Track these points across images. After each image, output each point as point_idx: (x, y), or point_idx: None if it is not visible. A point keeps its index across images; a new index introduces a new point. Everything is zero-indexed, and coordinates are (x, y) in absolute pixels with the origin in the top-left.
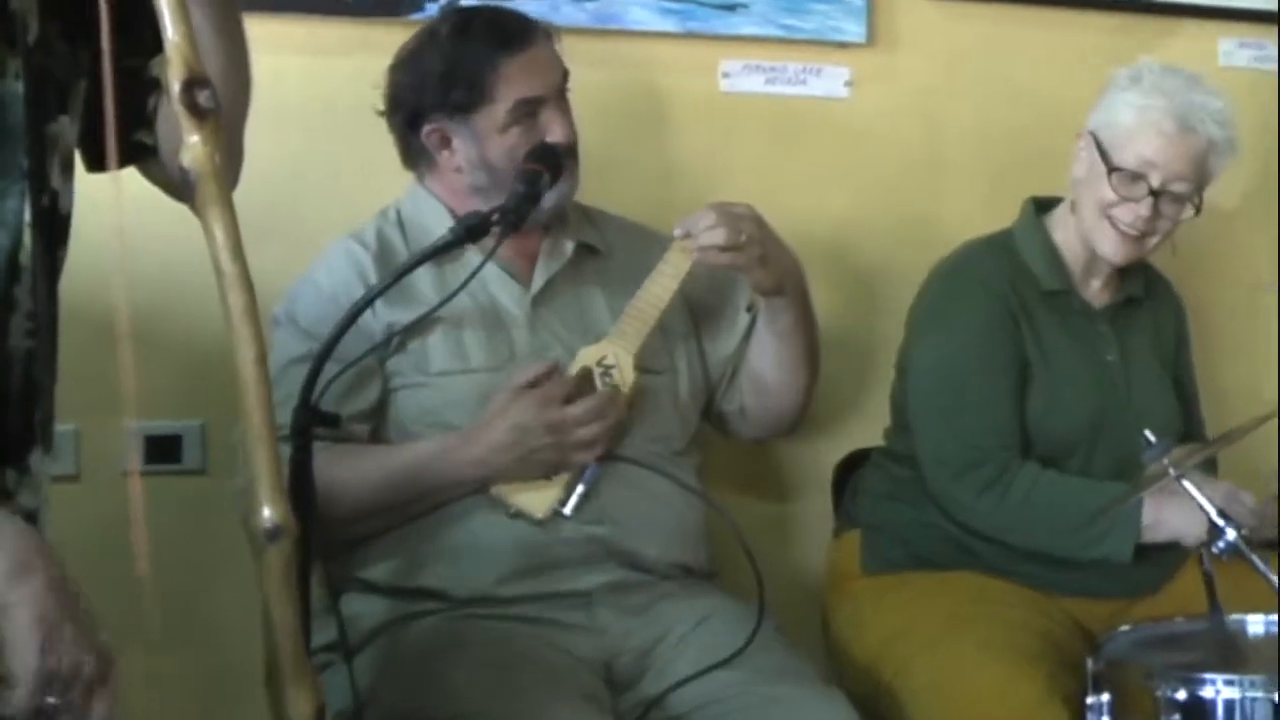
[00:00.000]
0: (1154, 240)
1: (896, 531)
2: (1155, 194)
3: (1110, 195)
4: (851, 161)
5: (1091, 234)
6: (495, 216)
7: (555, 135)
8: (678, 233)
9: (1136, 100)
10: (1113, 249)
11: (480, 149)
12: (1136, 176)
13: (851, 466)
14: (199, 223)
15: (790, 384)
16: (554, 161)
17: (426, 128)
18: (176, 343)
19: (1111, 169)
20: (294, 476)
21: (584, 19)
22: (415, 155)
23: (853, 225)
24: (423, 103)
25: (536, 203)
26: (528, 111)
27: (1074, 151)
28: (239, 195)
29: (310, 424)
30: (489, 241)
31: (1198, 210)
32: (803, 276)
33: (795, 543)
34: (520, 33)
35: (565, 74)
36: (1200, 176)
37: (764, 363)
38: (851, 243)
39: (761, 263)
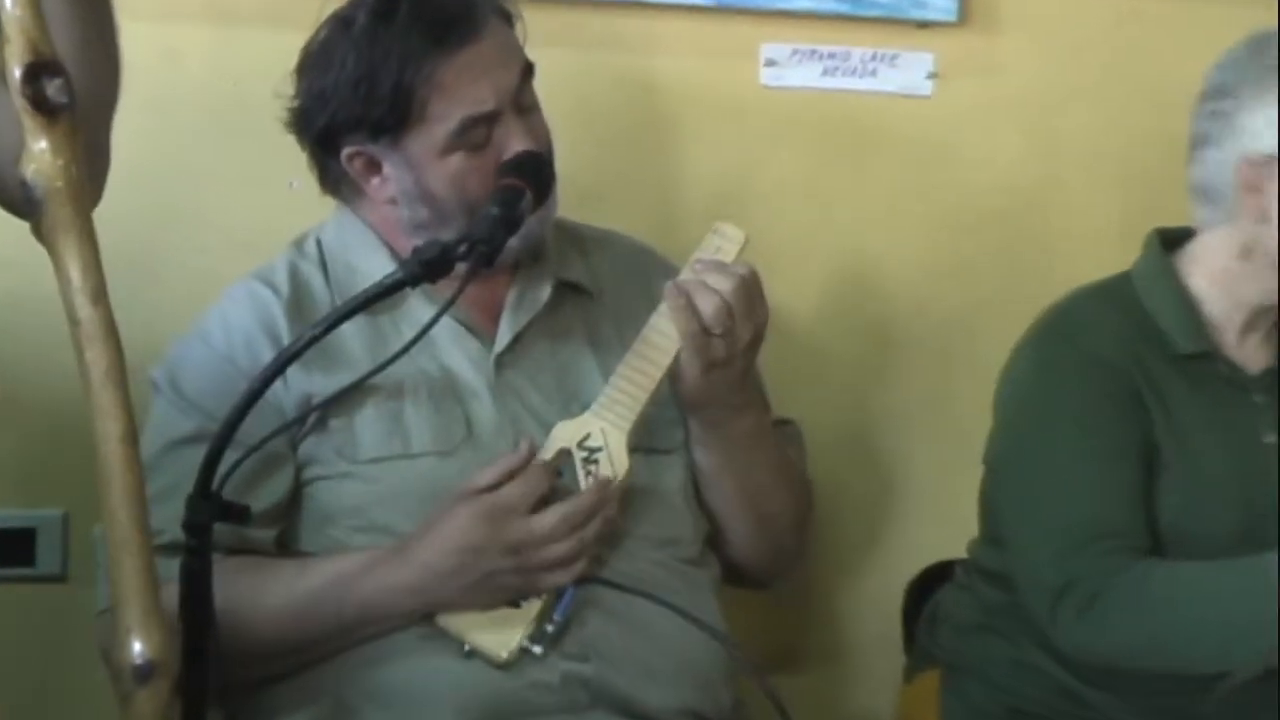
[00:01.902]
0: None
1: (989, 674)
2: None
3: None
4: (933, 182)
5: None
6: (462, 249)
7: (521, 146)
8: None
9: None
10: None
11: (417, 177)
12: None
13: (928, 586)
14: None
15: (729, 526)
16: (539, 173)
17: (346, 151)
18: (27, 409)
19: None
20: (187, 592)
21: None
22: (335, 181)
23: (934, 268)
24: (336, 120)
25: (516, 229)
26: (477, 127)
27: (1243, 179)
28: (105, 216)
29: (211, 520)
30: (442, 286)
31: None
32: (744, 416)
33: (853, 688)
34: (461, 21)
35: (527, 69)
36: None
37: (702, 485)
38: (932, 291)
39: (707, 367)
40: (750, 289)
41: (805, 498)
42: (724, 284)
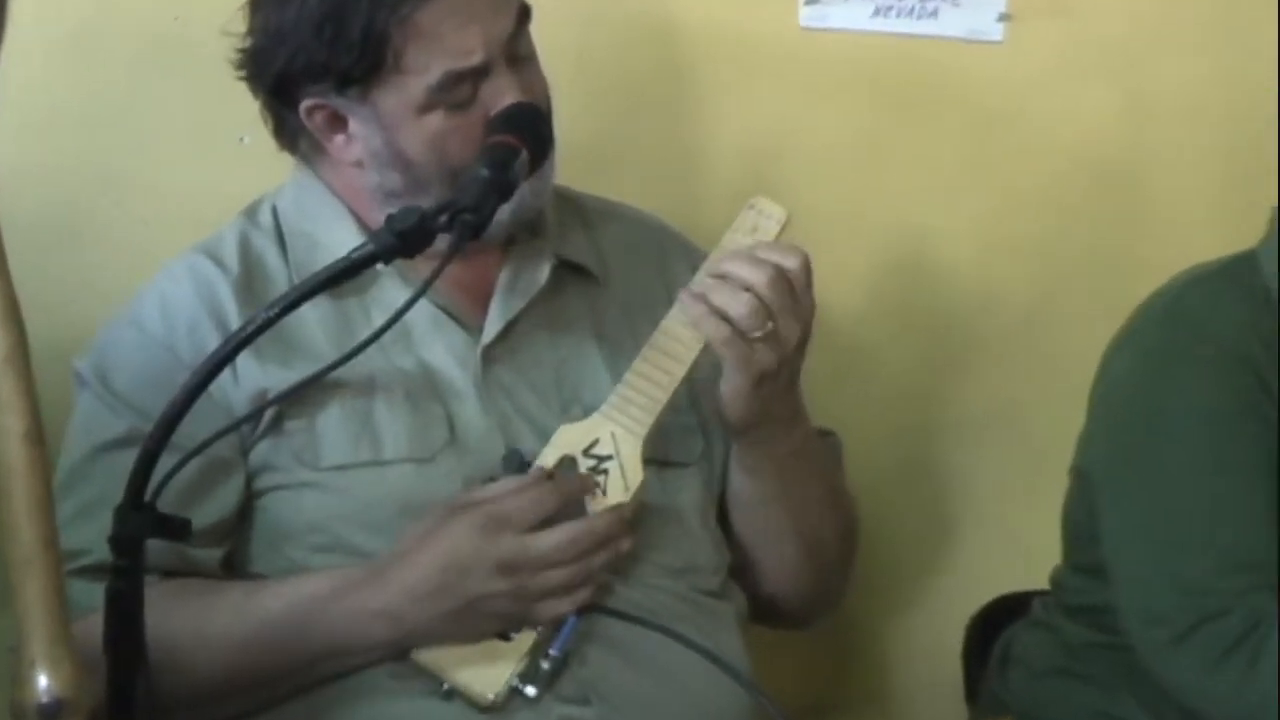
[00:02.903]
0: None
1: None
2: None
3: None
4: (1004, 147)
5: None
6: (444, 218)
7: (514, 99)
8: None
9: None
10: None
11: (388, 138)
12: None
13: (994, 624)
14: None
15: (767, 557)
16: (535, 129)
17: (305, 103)
18: None
19: None
20: (113, 620)
21: None
22: (292, 135)
23: (1003, 248)
24: (294, 66)
25: (509, 194)
26: (461, 83)
27: None
28: (17, 172)
29: (144, 534)
30: (420, 264)
31: None
32: (793, 430)
33: None
34: None
35: (523, 13)
36: None
37: (734, 512)
38: (1001, 276)
39: (757, 380)
40: (792, 276)
41: (853, 522)
42: (755, 275)
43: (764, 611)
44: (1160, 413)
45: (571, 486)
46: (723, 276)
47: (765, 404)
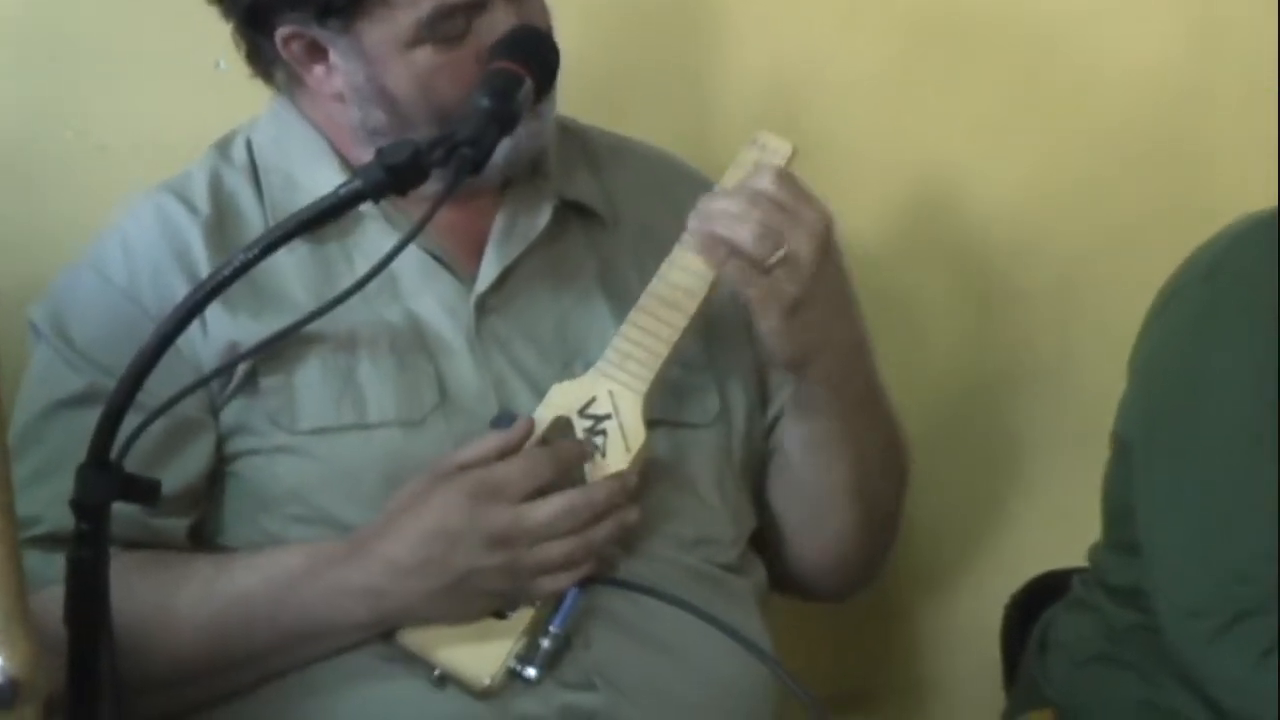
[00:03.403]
0: None
1: (1115, 715)
2: None
3: None
4: (1051, 81)
5: None
6: (440, 152)
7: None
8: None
9: None
10: None
11: (372, 73)
12: None
13: (1037, 604)
14: None
15: (819, 520)
16: (541, 55)
17: (282, 31)
18: None
19: None
20: (75, 593)
21: None
22: (267, 63)
23: (1051, 194)
24: None
25: (513, 126)
26: (453, 17)
27: None
28: None
29: (109, 497)
30: (408, 206)
31: None
32: (861, 360)
33: None
34: None
35: None
36: None
37: (789, 466)
38: (1048, 224)
39: (789, 310)
40: (780, 194)
41: (907, 481)
42: (742, 204)
43: (801, 582)
44: (1201, 377)
45: (567, 452)
46: (720, 211)
47: (812, 333)
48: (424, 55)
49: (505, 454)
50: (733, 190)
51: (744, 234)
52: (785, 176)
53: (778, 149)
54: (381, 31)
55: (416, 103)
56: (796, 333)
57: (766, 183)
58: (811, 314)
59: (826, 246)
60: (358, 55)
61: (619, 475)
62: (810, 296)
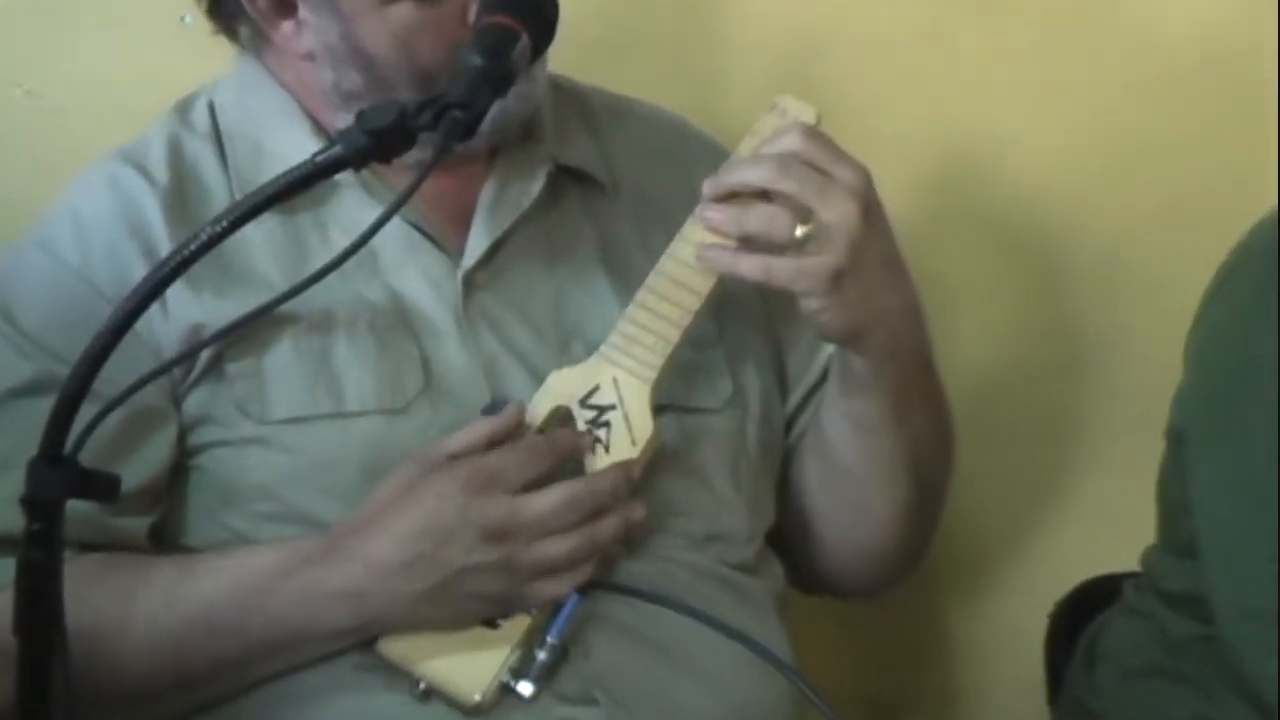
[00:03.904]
0: None
1: None
2: None
3: None
4: (1096, 39)
5: None
6: (427, 115)
7: None
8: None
9: None
10: None
11: (346, 30)
12: None
13: (1085, 610)
14: None
15: (862, 509)
16: (539, 7)
17: None
18: None
19: None
20: (27, 599)
21: None
22: (229, 17)
23: (1099, 160)
24: None
25: (506, 88)
26: None
27: None
28: None
29: (64, 493)
30: (390, 176)
31: None
32: (914, 328)
33: None
34: None
35: None
36: None
37: (831, 450)
38: (1096, 194)
39: (831, 283)
40: (803, 154)
41: (955, 460)
42: (758, 174)
43: (831, 578)
44: (1262, 363)
45: (566, 442)
46: (725, 198)
47: (859, 305)
48: (403, 11)
49: (495, 442)
50: (751, 161)
51: (754, 219)
52: (814, 134)
53: (800, 112)
54: None
55: (395, 63)
56: (846, 307)
57: (795, 142)
58: (860, 283)
59: (868, 206)
60: (330, 10)
61: (622, 464)
62: (856, 264)
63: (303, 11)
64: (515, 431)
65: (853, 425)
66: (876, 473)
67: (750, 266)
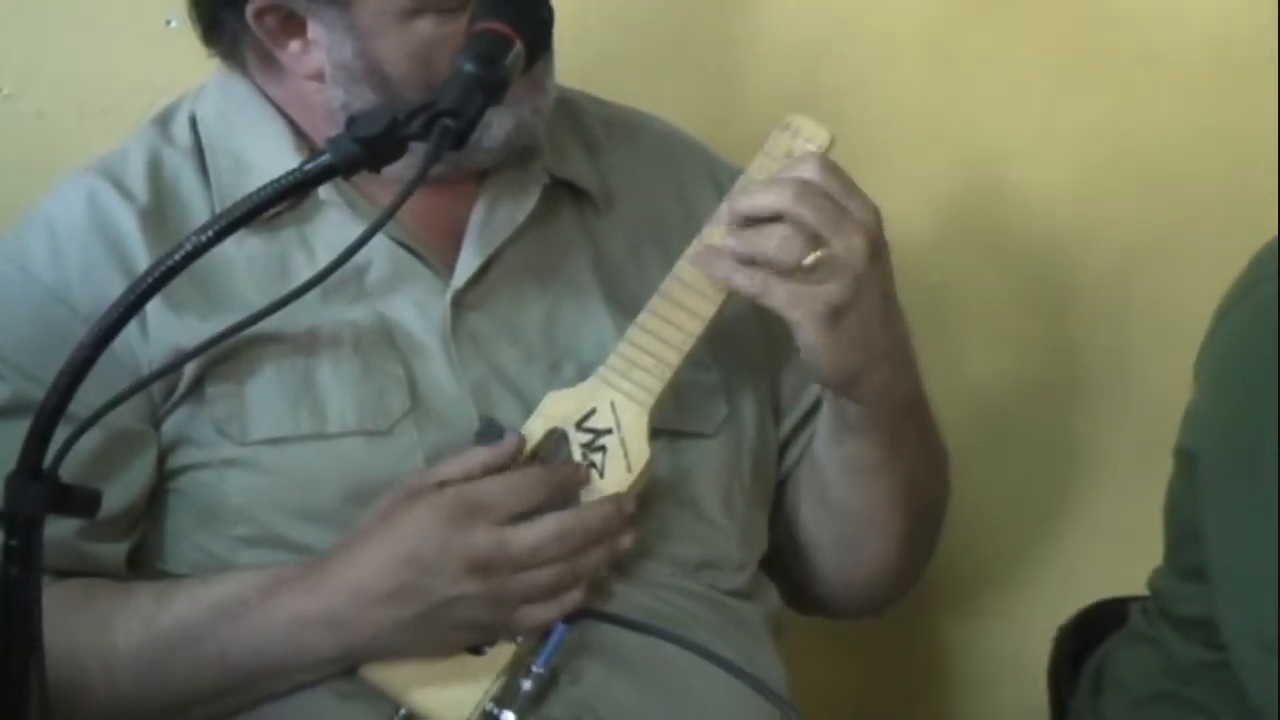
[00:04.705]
0: None
1: None
2: None
3: None
4: (1111, 44)
5: None
6: (418, 122)
7: None
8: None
9: None
10: None
11: (362, 48)
12: None
13: (1091, 635)
14: None
15: (856, 541)
16: (533, 13)
17: (254, 4)
18: None
19: None
20: (4, 617)
21: None
22: (231, 40)
23: (1111, 171)
24: None
25: (499, 96)
26: None
27: None
28: None
29: (43, 509)
30: (376, 191)
31: None
32: (904, 370)
33: None
34: None
35: None
36: None
37: (826, 490)
38: (1112, 206)
39: (830, 318)
40: (820, 184)
41: (949, 489)
42: (776, 199)
43: (826, 601)
44: (1275, 389)
45: (564, 475)
46: (739, 219)
47: (855, 344)
48: (424, 26)
49: (490, 472)
50: (771, 184)
51: (765, 241)
52: (831, 166)
53: (813, 136)
54: (379, 1)
55: (411, 79)
56: (841, 346)
57: (812, 172)
58: (858, 320)
59: (876, 244)
60: (345, 28)
61: (615, 498)
62: (857, 300)
63: (312, 30)
64: (507, 458)
65: (848, 469)
66: (872, 511)
67: (747, 280)
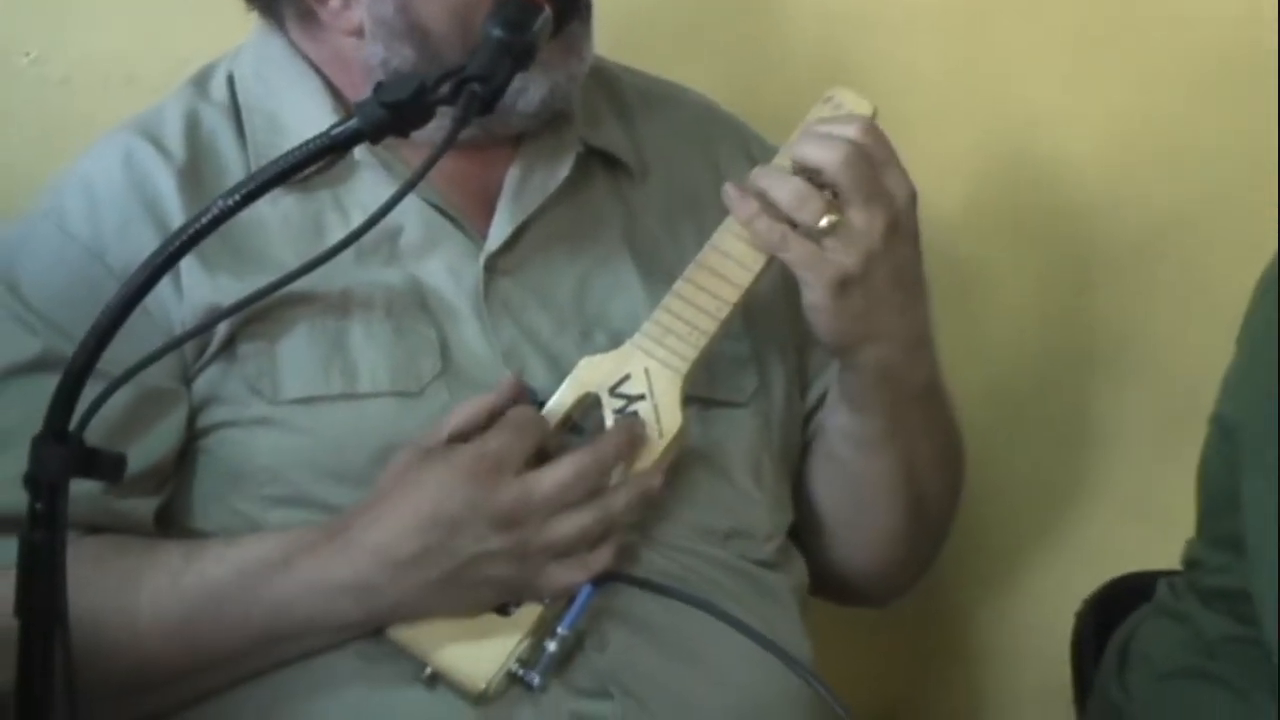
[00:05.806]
0: None
1: None
2: None
3: None
4: (1142, 14)
5: None
6: (446, 87)
7: None
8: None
9: None
10: None
11: (404, 4)
12: None
13: (1115, 610)
14: None
15: (865, 517)
16: None
17: None
18: None
19: None
20: (28, 582)
21: None
22: None
23: (1142, 142)
24: None
25: (527, 61)
26: None
27: None
28: None
29: (69, 472)
30: (409, 155)
31: None
32: (919, 358)
33: None
34: None
35: None
36: None
37: (831, 458)
38: (1132, 185)
39: (837, 285)
40: (869, 153)
41: (962, 481)
42: (825, 153)
43: (835, 584)
44: None
45: (610, 447)
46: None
47: (859, 317)
48: None
49: (497, 416)
50: (819, 137)
51: (782, 190)
52: (879, 134)
53: (856, 106)
54: None
55: (450, 39)
56: (843, 316)
57: (861, 134)
58: (865, 296)
59: (898, 224)
60: None
61: (623, 424)
62: (866, 275)
63: None
64: (509, 398)
65: (848, 440)
66: (873, 487)
67: (768, 228)
